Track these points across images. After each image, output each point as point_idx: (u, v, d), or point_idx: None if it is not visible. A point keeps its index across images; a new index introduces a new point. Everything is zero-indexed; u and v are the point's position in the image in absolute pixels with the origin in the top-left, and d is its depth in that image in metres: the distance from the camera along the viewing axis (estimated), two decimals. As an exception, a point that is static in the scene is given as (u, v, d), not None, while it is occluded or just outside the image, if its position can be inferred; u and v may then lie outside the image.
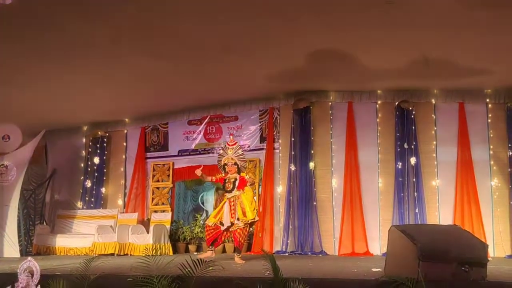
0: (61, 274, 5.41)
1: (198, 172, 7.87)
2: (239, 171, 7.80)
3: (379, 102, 9.62)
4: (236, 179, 7.71)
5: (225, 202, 7.70)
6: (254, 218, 7.62)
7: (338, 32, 6.96)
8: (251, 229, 9.85)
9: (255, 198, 8.77)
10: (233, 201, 7.62)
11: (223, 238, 8.05)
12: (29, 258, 5.32)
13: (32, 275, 5.14)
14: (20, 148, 10.09)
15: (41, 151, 11.86)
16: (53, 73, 8.30)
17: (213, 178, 7.96)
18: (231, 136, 8.36)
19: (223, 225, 7.57)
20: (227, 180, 7.75)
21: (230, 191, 7.68)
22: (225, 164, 7.82)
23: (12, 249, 9.57)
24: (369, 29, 6.75)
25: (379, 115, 9.61)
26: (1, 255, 9.53)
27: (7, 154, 9.95)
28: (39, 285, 5.08)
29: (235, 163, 7.75)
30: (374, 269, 5.63)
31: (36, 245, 10.35)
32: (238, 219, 7.46)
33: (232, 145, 7.90)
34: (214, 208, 8.13)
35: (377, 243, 9.05)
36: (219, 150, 8.35)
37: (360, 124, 9.65)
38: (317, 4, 6.10)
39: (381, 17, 6.39)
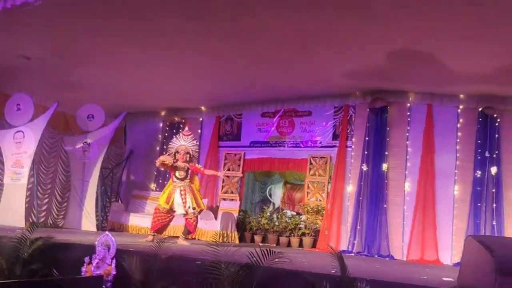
0: (134, 250, 5.65)
1: (166, 158, 8.08)
2: (190, 160, 8.17)
3: (460, 106, 9.22)
4: (188, 168, 8.06)
5: (173, 188, 8.01)
6: (204, 208, 8.33)
7: (426, 32, 6.73)
8: (317, 225, 9.88)
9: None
10: (183, 189, 7.97)
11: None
12: (107, 232, 5.62)
13: (109, 248, 5.43)
14: (103, 127, 10.65)
15: (121, 132, 12.41)
16: (137, 58, 8.62)
17: (171, 162, 8.07)
18: (186, 127, 8.99)
19: (175, 211, 8.02)
20: (178, 168, 8.05)
21: (183, 179, 8.03)
22: (177, 152, 8.17)
23: (89, 222, 10.17)
24: (459, 29, 6.47)
25: (460, 120, 9.21)
26: (79, 227, 10.14)
27: (90, 132, 10.54)
28: (114, 259, 5.36)
29: (188, 152, 8.15)
30: (445, 279, 5.43)
31: (111, 221, 10.87)
32: (194, 208, 7.86)
33: (188, 135, 8.39)
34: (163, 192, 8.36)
35: (449, 252, 8.71)
36: (174, 139, 8.65)
37: (439, 128, 9.31)
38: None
39: (474, 17, 6.10)
